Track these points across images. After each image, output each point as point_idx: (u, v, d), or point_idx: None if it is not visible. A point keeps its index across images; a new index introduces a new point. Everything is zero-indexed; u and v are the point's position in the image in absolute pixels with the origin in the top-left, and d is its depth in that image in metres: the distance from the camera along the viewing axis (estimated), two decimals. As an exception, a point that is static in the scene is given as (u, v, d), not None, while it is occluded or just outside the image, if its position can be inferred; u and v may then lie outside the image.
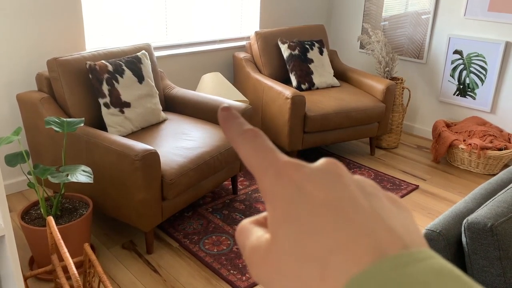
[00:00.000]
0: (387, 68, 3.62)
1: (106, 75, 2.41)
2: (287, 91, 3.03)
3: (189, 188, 2.33)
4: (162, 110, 2.93)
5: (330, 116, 3.11)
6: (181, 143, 2.41)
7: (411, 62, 3.91)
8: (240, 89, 3.60)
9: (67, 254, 1.44)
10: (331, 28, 4.46)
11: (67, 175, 1.90)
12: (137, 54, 2.63)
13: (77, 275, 1.34)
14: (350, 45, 4.33)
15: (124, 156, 2.06)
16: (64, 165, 2.04)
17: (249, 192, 2.92)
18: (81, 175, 1.92)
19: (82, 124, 2.10)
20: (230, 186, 2.98)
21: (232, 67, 3.78)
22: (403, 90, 3.61)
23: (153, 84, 2.65)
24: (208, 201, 2.80)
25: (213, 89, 3.13)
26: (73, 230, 2.04)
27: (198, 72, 3.55)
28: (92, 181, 1.91)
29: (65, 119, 2.09)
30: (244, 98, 3.20)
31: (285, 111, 3.04)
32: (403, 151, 3.69)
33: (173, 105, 2.91)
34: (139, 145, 2.08)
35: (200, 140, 2.46)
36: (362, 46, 4.23)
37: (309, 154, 3.55)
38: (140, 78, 2.56)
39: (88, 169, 1.98)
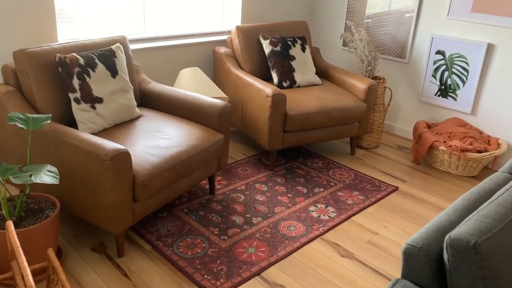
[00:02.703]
0: (369, 67, 3.57)
1: (77, 69, 2.29)
2: (267, 89, 2.95)
3: (163, 190, 2.23)
4: (137, 106, 2.82)
5: (311, 116, 3.05)
6: (155, 141, 2.31)
7: (393, 61, 3.87)
8: (220, 85, 3.50)
9: (25, 263, 1.34)
10: (314, 25, 4.39)
11: (31, 175, 1.79)
12: (111, 47, 2.51)
13: (33, 287, 1.24)
14: (333, 42, 4.27)
15: (93, 156, 1.95)
16: (29, 164, 1.93)
17: (227, 192, 2.84)
18: (46, 176, 1.80)
19: (49, 121, 1.98)
20: (207, 186, 2.89)
21: (212, 62, 3.68)
22: (384, 90, 3.57)
23: (128, 79, 2.54)
24: (183, 201, 2.71)
25: (192, 85, 3.03)
26: (38, 233, 1.93)
27: (176, 66, 3.44)
28: (57, 182, 1.81)
29: (30, 115, 1.97)
30: (224, 95, 3.11)
31: (265, 109, 2.96)
32: (384, 151, 3.66)
33: (149, 100, 2.80)
34: (109, 144, 1.97)
35: (176, 139, 2.37)
36: (345, 44, 4.17)
37: (289, 153, 3.49)
38: (114, 72, 2.44)
39: (54, 169, 1.87)
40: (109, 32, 3.04)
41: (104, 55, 2.43)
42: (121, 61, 2.51)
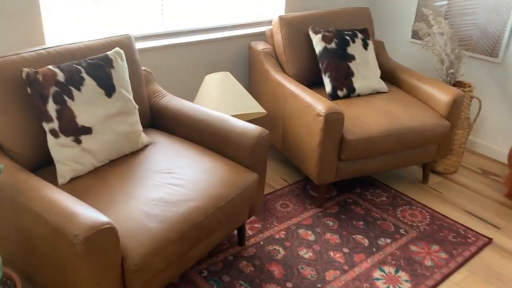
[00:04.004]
0: (451, 70, 2.73)
1: (53, 89, 1.62)
2: (318, 104, 2.20)
3: (168, 267, 1.57)
4: (147, 128, 2.15)
5: (376, 140, 2.28)
6: (162, 191, 1.63)
7: (480, 61, 3.00)
8: (257, 91, 2.78)
9: None
10: (375, 10, 3.55)
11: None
12: (108, 53, 1.83)
13: None
14: (399, 32, 3.42)
15: (60, 234, 1.30)
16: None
17: (261, 243, 2.15)
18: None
19: (-1, 176, 1.34)
20: (235, 232, 2.21)
21: (246, 61, 2.94)
22: (471, 100, 2.73)
23: (130, 96, 1.86)
24: (203, 258, 2.05)
25: (219, 96, 2.32)
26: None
27: (201, 69, 2.73)
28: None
29: (-29, 168, 1.33)
30: (261, 110, 2.39)
31: (315, 132, 2.22)
32: (465, 178, 2.84)
33: (162, 120, 2.13)
34: (85, 215, 1.31)
35: (192, 185, 1.68)
36: (415, 35, 3.32)
37: (342, 180, 2.74)
38: (109, 89, 1.77)
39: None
40: (115, 26, 2.36)
41: (95, 66, 1.76)
42: (120, 72, 1.83)
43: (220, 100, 2.31)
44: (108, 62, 1.80)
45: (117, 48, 1.86)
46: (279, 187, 2.62)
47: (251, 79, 2.82)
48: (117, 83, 1.81)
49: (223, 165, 1.84)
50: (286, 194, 2.56)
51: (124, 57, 1.88)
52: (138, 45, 2.39)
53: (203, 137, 2.00)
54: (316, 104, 2.22)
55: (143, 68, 2.20)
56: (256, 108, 2.38)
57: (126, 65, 1.89)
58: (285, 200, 2.49)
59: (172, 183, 1.69)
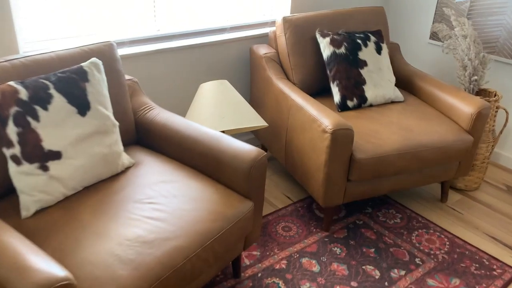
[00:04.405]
0: (475, 77, 2.45)
1: (14, 109, 1.41)
2: (325, 119, 1.95)
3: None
4: (133, 144, 1.92)
5: (390, 159, 2.03)
6: (139, 226, 1.41)
7: (507, 65, 2.72)
8: (258, 100, 2.54)
9: None
10: (390, 10, 3.27)
11: None
12: (82, 65, 1.60)
13: None
14: (416, 32, 3.14)
15: (6, 291, 1.08)
16: None
17: (259, 275, 1.92)
18: None
19: None
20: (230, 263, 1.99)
21: (248, 67, 2.70)
22: (497, 111, 2.46)
23: (109, 113, 1.63)
24: (193, 293, 1.83)
25: (215, 107, 2.09)
26: None
27: (196, 77, 2.50)
28: None
29: None
30: (263, 123, 2.15)
31: (320, 149, 1.98)
32: (488, 196, 2.57)
33: (149, 136, 1.90)
34: (36, 270, 1.09)
35: (176, 219, 1.46)
36: (434, 36, 3.04)
37: (352, 203, 2.50)
38: (83, 106, 1.55)
39: None
40: (100, 29, 2.13)
41: (67, 80, 1.53)
42: (97, 86, 1.60)
43: (216, 112, 2.07)
44: (82, 75, 1.58)
45: (93, 59, 1.63)
46: (281, 206, 2.38)
47: (253, 86, 2.58)
48: (92, 99, 1.58)
49: (213, 193, 1.61)
50: (289, 214, 2.32)
51: (102, 68, 1.66)
52: (126, 51, 2.16)
53: (193, 158, 1.77)
54: (322, 118, 1.97)
55: (128, 77, 1.98)
56: (256, 120, 2.14)
57: (105, 78, 1.67)
58: (287, 222, 2.26)
59: (152, 216, 1.46)
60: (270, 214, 2.31)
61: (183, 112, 2.51)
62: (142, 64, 2.25)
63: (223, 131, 2.26)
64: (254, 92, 2.58)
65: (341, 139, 1.91)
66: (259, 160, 1.63)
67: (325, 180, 2.00)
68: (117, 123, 1.68)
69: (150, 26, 2.28)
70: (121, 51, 2.15)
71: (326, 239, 2.15)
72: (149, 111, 1.93)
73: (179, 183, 1.64)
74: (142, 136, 1.93)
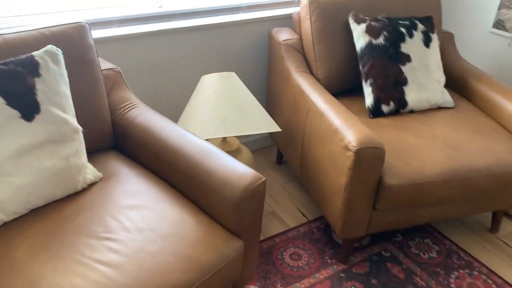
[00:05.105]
0: (550, 80, 1.93)
1: None
2: (350, 133, 1.53)
3: None
4: (110, 148, 1.58)
5: (430, 186, 1.59)
6: (85, 275, 1.07)
7: None
8: (275, 97, 2.13)
9: None
10: (446, -13, 2.72)
11: None
12: (33, 54, 1.25)
13: None
14: (475, 20, 2.59)
15: None
16: None
17: (253, 319, 1.56)
18: None
19: None
20: (222, 299, 1.63)
21: (266, 55, 2.28)
22: None
23: (68, 117, 1.29)
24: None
25: (217, 106, 1.70)
26: None
27: (199, 67, 2.10)
28: None
29: None
30: (274, 128, 1.74)
31: (341, 170, 1.56)
32: (551, 228, 2.09)
33: (127, 141, 1.55)
34: None
35: (134, 266, 1.11)
36: (498, 24, 2.49)
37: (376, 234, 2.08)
38: (29, 108, 1.20)
39: None
40: (84, 5, 1.76)
41: (8, 75, 1.18)
42: (51, 82, 1.25)
43: (215, 113, 1.69)
44: (31, 68, 1.22)
45: (49, 47, 1.28)
46: (293, 225, 2.00)
47: (270, 81, 2.17)
48: (43, 99, 1.23)
49: (192, 227, 1.25)
50: (301, 237, 1.93)
51: (62, 59, 1.30)
52: (114, 32, 1.79)
53: (173, 175, 1.41)
54: (346, 130, 1.55)
55: (108, 67, 1.61)
56: (265, 125, 1.74)
57: (65, 71, 1.31)
58: (298, 248, 1.88)
59: (104, 260, 1.12)
60: (278, 236, 1.93)
61: (180, 112, 2.14)
62: (133, 49, 1.88)
63: (224, 138, 1.88)
64: (271, 88, 2.17)
65: (368, 160, 1.49)
66: (253, 190, 1.25)
67: (345, 207, 1.59)
68: (79, 128, 1.33)
69: (150, 2, 1.89)
70: (107, 32, 1.78)
71: (343, 274, 1.76)
72: (130, 109, 1.57)
73: (150, 211, 1.28)
74: (120, 140, 1.57)
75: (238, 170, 1.29)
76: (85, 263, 1.11)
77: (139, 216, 1.26)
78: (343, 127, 1.57)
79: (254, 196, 1.26)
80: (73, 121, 1.31)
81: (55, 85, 1.26)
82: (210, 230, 1.26)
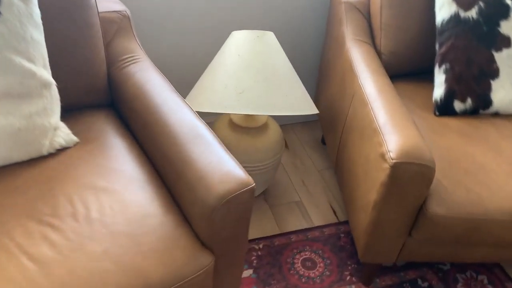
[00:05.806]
0: None
1: None
2: (391, 137, 1.15)
3: None
4: (106, 106, 1.35)
5: (492, 225, 1.18)
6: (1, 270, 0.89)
7: None
8: (326, 68, 1.75)
9: None
10: None
11: None
12: (-5, -16, 1.02)
13: None
14: None
15: None
16: None
17: (235, 333, 1.32)
18: None
19: None
20: (206, 299, 1.41)
21: (325, 16, 1.86)
22: None
23: (33, 67, 1.06)
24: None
25: (238, 73, 1.38)
26: None
27: (233, 25, 1.76)
28: None
29: None
30: (308, 110, 1.40)
31: (373, 181, 1.20)
32: None
33: (120, 100, 1.31)
34: None
35: (65, 270, 0.90)
36: None
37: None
38: (-18, 53, 0.99)
39: None
40: None
41: (-43, 8, 0.97)
42: (13, 24, 1.02)
43: (234, 83, 1.37)
44: (-12, 3, 1.00)
45: (15, -23, 1.03)
46: (318, 223, 1.69)
47: (325, 46, 1.78)
48: (2, 45, 1.01)
49: (155, 227, 1.00)
50: (324, 241, 1.62)
51: (34, -5, 1.05)
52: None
53: (155, 154, 1.15)
54: (389, 134, 1.16)
55: (116, 9, 1.35)
56: (297, 105, 1.39)
57: (37, 10, 1.07)
58: (315, 253, 1.58)
59: (34, 254, 0.92)
60: (296, 233, 1.64)
61: (200, 73, 1.84)
62: (163, -13, 1.58)
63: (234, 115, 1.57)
64: (324, 56, 1.78)
65: (408, 179, 1.11)
66: (232, 198, 0.95)
67: (371, 227, 1.25)
68: (51, 82, 1.11)
69: None
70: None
71: (360, 300, 1.45)
72: (130, 64, 1.32)
73: (114, 197, 1.05)
74: (115, 98, 1.34)
75: (222, 168, 1.00)
76: (10, 252, 0.92)
77: (97, 202, 1.04)
78: (386, 127, 1.19)
79: (234, 206, 0.97)
80: (43, 73, 1.09)
81: (19, 28, 1.03)
82: (176, 236, 1.00)
